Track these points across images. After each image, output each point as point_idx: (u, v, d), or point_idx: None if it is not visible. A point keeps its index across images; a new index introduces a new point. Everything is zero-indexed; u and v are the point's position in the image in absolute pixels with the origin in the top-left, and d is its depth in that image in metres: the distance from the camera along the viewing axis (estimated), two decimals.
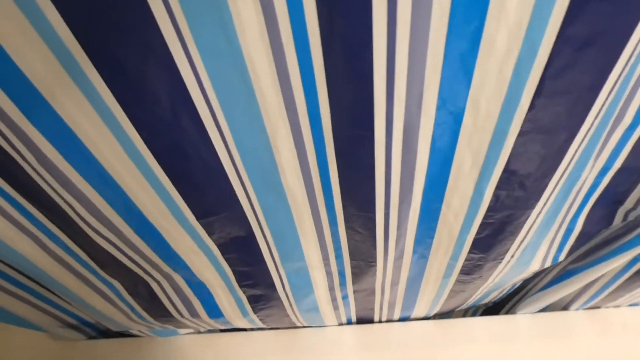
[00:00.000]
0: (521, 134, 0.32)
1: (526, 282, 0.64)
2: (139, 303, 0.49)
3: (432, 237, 0.44)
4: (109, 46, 0.26)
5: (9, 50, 0.25)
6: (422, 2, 0.24)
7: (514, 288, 0.63)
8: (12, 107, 0.28)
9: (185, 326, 0.57)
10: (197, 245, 0.41)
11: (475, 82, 0.29)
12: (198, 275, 0.45)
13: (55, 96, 0.28)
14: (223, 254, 0.43)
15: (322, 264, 0.45)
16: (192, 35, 0.26)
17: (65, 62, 0.26)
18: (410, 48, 0.26)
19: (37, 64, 0.26)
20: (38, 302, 0.52)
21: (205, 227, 0.39)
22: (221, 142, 0.32)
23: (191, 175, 0.34)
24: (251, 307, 0.52)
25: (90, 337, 0.61)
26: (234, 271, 0.45)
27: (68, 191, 0.34)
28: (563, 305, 0.64)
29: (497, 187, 0.37)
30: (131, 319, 0.52)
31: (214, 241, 0.41)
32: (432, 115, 0.30)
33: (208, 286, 0.47)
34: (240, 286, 0.47)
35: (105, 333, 0.62)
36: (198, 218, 0.38)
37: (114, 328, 0.57)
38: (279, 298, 0.50)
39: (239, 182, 0.35)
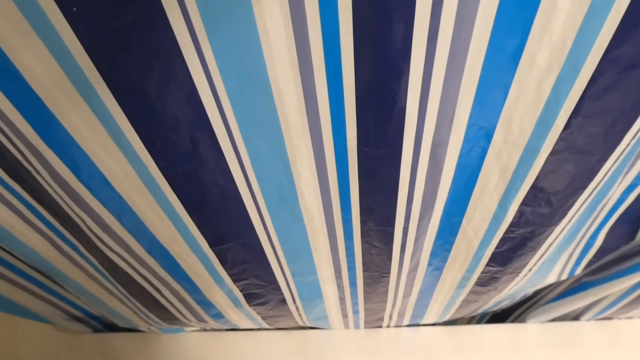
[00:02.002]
0: (553, 152, 0.30)
1: (537, 292, 0.63)
2: (146, 308, 0.49)
3: (449, 251, 0.43)
4: (127, 71, 0.24)
5: (22, 70, 0.24)
6: (466, 17, 0.22)
7: (524, 297, 0.62)
8: (28, 129, 0.27)
9: (192, 326, 0.56)
10: (208, 272, 0.40)
11: (511, 98, 0.27)
12: (208, 297, 0.45)
13: (71, 120, 0.27)
14: (234, 281, 0.42)
15: (334, 277, 0.44)
16: (214, 57, 0.24)
17: (80, 87, 0.25)
18: (448, 64, 0.24)
19: (53, 88, 0.25)
20: (44, 294, 0.51)
21: (218, 254, 0.38)
22: (239, 168, 0.31)
23: (206, 203, 0.33)
24: (262, 318, 0.51)
25: (96, 330, 0.61)
26: (244, 294, 0.45)
27: (80, 208, 0.33)
28: (574, 316, 0.63)
29: (523, 203, 0.35)
30: (139, 317, 0.51)
31: (226, 270, 0.40)
32: (462, 132, 0.29)
33: (217, 306, 0.47)
34: (250, 305, 0.47)
35: (111, 327, 0.61)
36: (212, 246, 0.37)
37: (121, 324, 0.56)
38: (288, 310, 0.50)
39: (254, 208, 0.34)
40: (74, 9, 0.22)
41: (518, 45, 0.24)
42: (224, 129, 0.28)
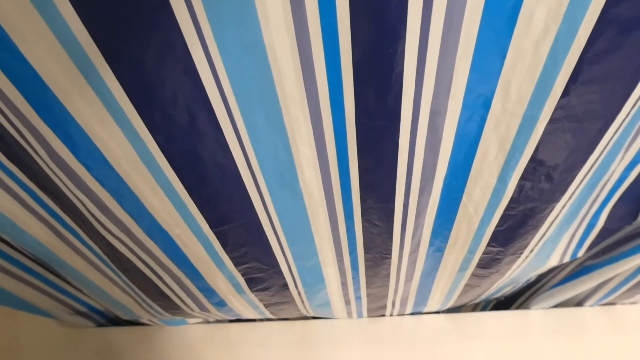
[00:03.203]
0: (552, 121, 0.30)
1: (540, 277, 0.63)
2: (148, 297, 0.49)
3: (449, 230, 0.43)
4: (124, 43, 0.24)
5: (24, 51, 0.24)
6: None
7: (527, 283, 0.62)
8: (27, 107, 0.27)
9: (194, 317, 0.56)
10: (209, 255, 0.40)
11: (508, 62, 0.27)
12: (209, 283, 0.45)
13: (69, 97, 0.27)
14: (236, 265, 0.42)
15: (336, 260, 0.44)
16: (212, 31, 0.24)
17: (79, 63, 0.25)
18: (445, 26, 0.24)
19: (52, 65, 0.25)
20: (47, 288, 0.51)
21: (219, 236, 0.38)
22: (238, 146, 0.31)
23: (206, 182, 0.33)
24: (264, 306, 0.51)
25: (99, 325, 0.61)
26: (246, 279, 0.44)
27: (79, 189, 0.33)
28: (577, 301, 0.63)
29: (522, 178, 0.35)
30: (142, 307, 0.51)
31: (227, 253, 0.40)
32: (460, 98, 0.29)
33: (219, 293, 0.47)
34: (252, 291, 0.47)
35: (114, 321, 0.61)
36: (212, 227, 0.37)
37: (123, 316, 0.56)
38: (291, 296, 0.50)
39: (254, 186, 0.34)
40: None
41: (515, 4, 0.24)
42: (221, 102, 0.28)
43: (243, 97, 0.28)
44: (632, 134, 0.36)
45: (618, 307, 0.63)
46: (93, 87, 0.26)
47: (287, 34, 0.25)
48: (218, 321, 0.62)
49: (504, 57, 0.27)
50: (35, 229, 0.39)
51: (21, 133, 0.30)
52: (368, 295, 0.53)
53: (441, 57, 0.26)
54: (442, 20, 0.24)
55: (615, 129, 0.32)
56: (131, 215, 0.35)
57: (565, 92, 0.28)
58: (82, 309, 0.57)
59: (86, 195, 0.33)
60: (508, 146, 0.32)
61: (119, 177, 0.32)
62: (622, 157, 0.40)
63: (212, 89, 0.27)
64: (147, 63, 0.25)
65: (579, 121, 0.31)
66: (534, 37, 0.26)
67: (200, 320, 0.60)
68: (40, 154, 0.30)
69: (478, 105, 0.30)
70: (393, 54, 0.25)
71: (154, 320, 0.59)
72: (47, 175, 0.33)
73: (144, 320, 0.60)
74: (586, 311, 0.62)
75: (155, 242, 0.39)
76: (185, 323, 0.61)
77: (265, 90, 0.28)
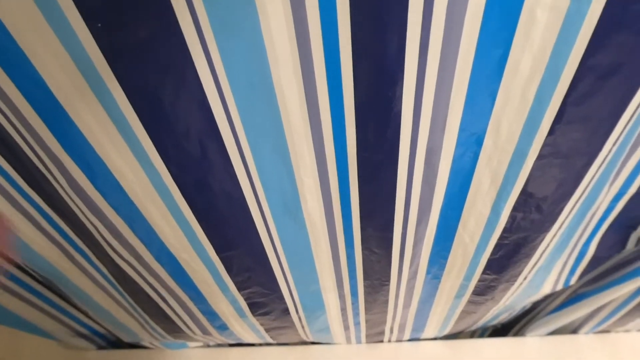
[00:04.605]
0: (540, 157, 0.32)
1: (536, 304, 0.64)
2: (152, 319, 0.50)
3: (446, 258, 0.44)
4: (143, 79, 0.26)
5: (42, 73, 0.26)
6: (453, 29, 0.25)
7: (523, 310, 0.63)
8: (52, 139, 0.29)
9: (196, 340, 0.57)
10: (213, 279, 0.42)
11: (498, 104, 0.29)
12: (213, 306, 0.46)
13: (92, 130, 0.29)
14: (239, 289, 0.44)
15: (336, 286, 0.46)
16: (224, 69, 0.27)
17: (103, 100, 0.27)
18: (439, 72, 0.26)
19: (77, 103, 0.27)
20: (51, 310, 0.52)
21: (224, 261, 0.40)
22: (245, 176, 0.33)
23: (214, 209, 0.35)
24: (265, 330, 0.52)
25: (100, 347, 0.61)
26: (249, 303, 0.46)
27: (94, 214, 0.34)
28: (572, 329, 0.64)
29: (514, 209, 0.37)
30: (145, 329, 0.52)
31: (231, 277, 0.42)
32: (454, 136, 0.31)
33: (222, 316, 0.48)
34: (254, 315, 0.48)
35: (115, 344, 0.62)
36: (218, 252, 0.39)
37: (125, 339, 0.57)
38: (291, 321, 0.51)
39: (259, 214, 0.36)
40: (99, 24, 0.24)
41: (502, 54, 0.27)
42: (231, 135, 0.30)
43: (251, 130, 0.30)
44: (617, 167, 0.38)
45: (612, 334, 0.64)
46: (114, 121, 0.28)
47: (293, 73, 0.27)
48: (218, 345, 0.62)
49: (494, 99, 0.29)
50: (47, 251, 0.41)
51: (43, 162, 0.31)
52: (367, 321, 0.54)
53: (436, 98, 0.28)
54: (436, 66, 0.27)
55: (599, 164, 0.34)
56: (142, 240, 0.37)
57: (552, 131, 0.31)
58: (84, 331, 0.58)
59: (100, 220, 0.35)
60: (500, 180, 0.34)
61: (132, 204, 0.34)
62: (609, 190, 0.42)
63: (223, 123, 0.29)
64: (164, 100, 0.27)
65: (565, 157, 0.33)
66: (521, 82, 0.28)
67: (200, 344, 0.61)
68: (60, 180, 0.32)
69: (471, 143, 0.32)
70: (391, 96, 0.27)
71: (155, 343, 0.60)
72: (64, 200, 0.35)
73: (145, 343, 0.61)
74: (581, 339, 0.63)
75: (163, 265, 0.40)
76: (186, 346, 0.61)
77: (272, 124, 0.30)
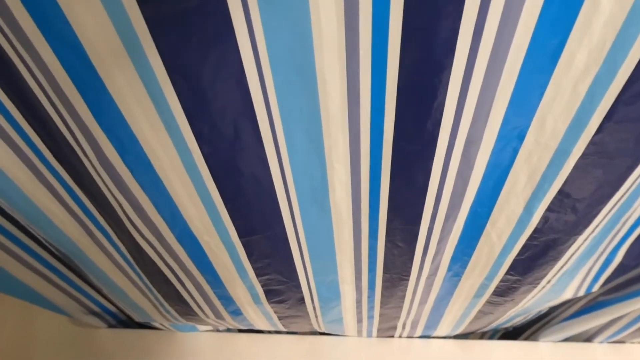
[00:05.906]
0: (583, 156, 0.31)
1: (552, 309, 0.63)
2: (167, 301, 0.49)
3: (470, 255, 0.43)
4: (184, 55, 0.25)
5: (83, 42, 0.25)
6: (511, 14, 0.23)
7: (539, 314, 0.62)
8: (85, 109, 0.28)
9: (207, 324, 0.57)
10: (233, 263, 0.41)
11: (546, 98, 0.28)
12: (229, 291, 0.45)
13: (126, 103, 0.28)
14: (257, 275, 0.43)
15: (354, 278, 0.45)
16: (267, 48, 0.26)
17: (141, 71, 0.26)
18: (490, 60, 0.25)
19: (115, 72, 0.26)
20: (65, 286, 0.52)
21: (246, 246, 0.39)
22: (276, 160, 0.32)
23: (241, 193, 0.34)
24: (278, 318, 0.52)
25: (111, 326, 0.61)
26: (265, 290, 0.45)
27: (120, 191, 0.34)
28: (587, 337, 0.63)
29: (548, 209, 0.36)
30: (158, 310, 0.52)
31: (251, 263, 0.41)
32: (496, 130, 0.30)
33: (237, 302, 0.47)
34: (269, 302, 0.47)
35: (125, 323, 0.62)
36: (240, 236, 0.38)
37: (137, 318, 0.56)
38: (305, 310, 0.50)
39: (285, 200, 0.35)
40: None
41: (558, 45, 0.25)
42: (266, 118, 0.29)
43: (287, 114, 0.29)
44: None
45: (627, 345, 0.63)
46: (150, 95, 0.27)
47: (338, 57, 0.26)
48: (228, 330, 0.62)
49: (542, 92, 0.28)
50: (68, 226, 0.40)
51: (74, 134, 0.31)
52: (381, 315, 0.54)
53: (483, 89, 0.27)
54: (488, 53, 0.25)
55: None
56: (165, 220, 0.36)
57: (599, 130, 0.29)
58: (97, 309, 0.58)
59: (125, 197, 0.34)
60: (537, 178, 0.33)
61: (160, 182, 0.33)
62: None
63: (260, 103, 0.28)
64: (203, 76, 0.26)
65: (609, 157, 0.31)
66: (574, 77, 0.27)
67: (210, 328, 0.61)
68: (89, 154, 0.32)
69: (512, 137, 0.31)
70: (437, 83, 0.26)
71: (166, 324, 0.59)
72: (91, 176, 0.34)
73: (156, 324, 0.60)
74: (595, 347, 0.62)
75: (184, 247, 0.39)
76: (196, 330, 0.61)
77: (309, 110, 0.29)
